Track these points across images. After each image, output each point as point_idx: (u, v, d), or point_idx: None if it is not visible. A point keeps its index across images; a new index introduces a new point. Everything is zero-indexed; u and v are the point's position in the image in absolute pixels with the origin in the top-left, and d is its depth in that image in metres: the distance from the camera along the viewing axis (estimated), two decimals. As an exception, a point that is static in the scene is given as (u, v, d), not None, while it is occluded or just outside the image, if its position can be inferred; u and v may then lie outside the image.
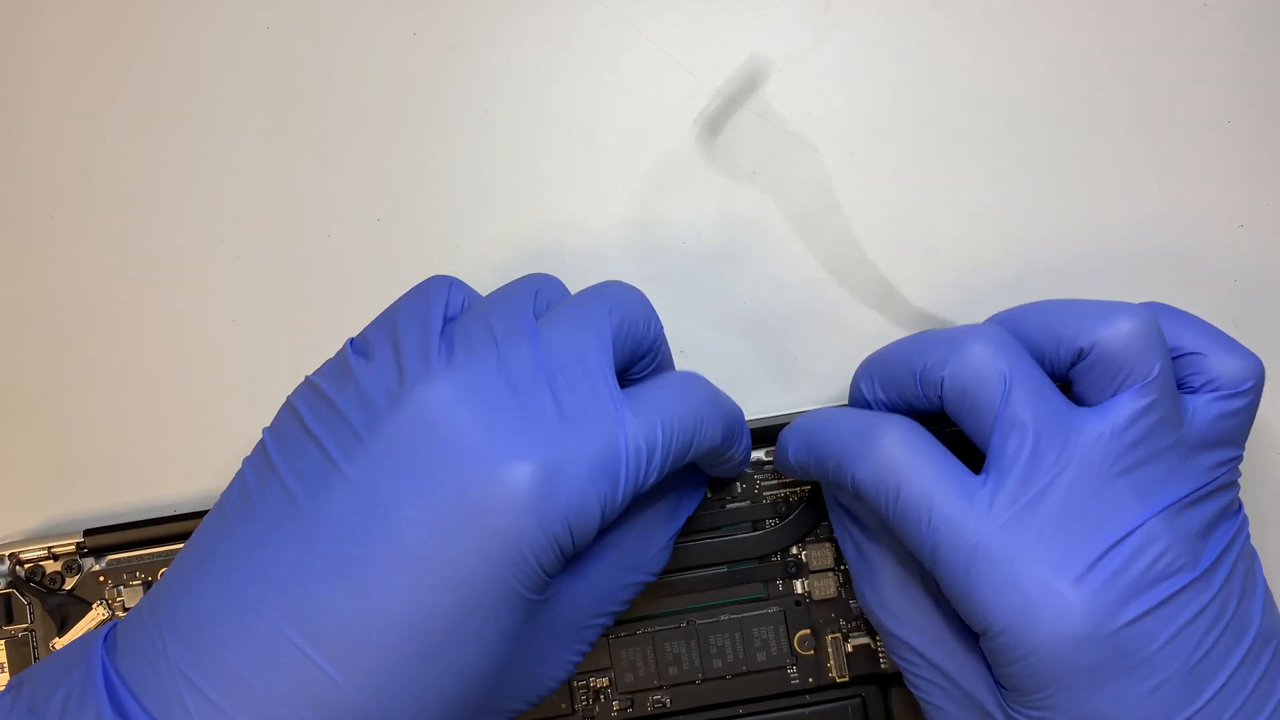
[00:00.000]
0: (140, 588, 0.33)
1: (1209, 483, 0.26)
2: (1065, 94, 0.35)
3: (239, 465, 0.35)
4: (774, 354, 0.35)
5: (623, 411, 0.25)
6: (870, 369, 0.30)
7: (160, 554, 0.33)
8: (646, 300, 0.28)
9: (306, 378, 0.27)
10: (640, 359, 0.28)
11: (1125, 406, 0.26)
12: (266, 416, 0.35)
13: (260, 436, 0.26)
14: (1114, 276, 0.35)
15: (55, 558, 0.33)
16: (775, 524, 0.33)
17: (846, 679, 0.32)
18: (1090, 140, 0.35)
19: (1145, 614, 0.25)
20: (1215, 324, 0.34)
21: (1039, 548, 0.25)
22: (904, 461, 0.26)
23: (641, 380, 0.28)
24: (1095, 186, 0.35)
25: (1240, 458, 0.27)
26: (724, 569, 0.33)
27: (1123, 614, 0.25)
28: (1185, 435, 0.26)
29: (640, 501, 0.28)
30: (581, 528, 0.24)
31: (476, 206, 0.35)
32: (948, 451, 0.27)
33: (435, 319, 0.26)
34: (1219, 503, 0.27)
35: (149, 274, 0.35)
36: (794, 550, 0.33)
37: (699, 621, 0.33)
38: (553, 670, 0.27)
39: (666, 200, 0.35)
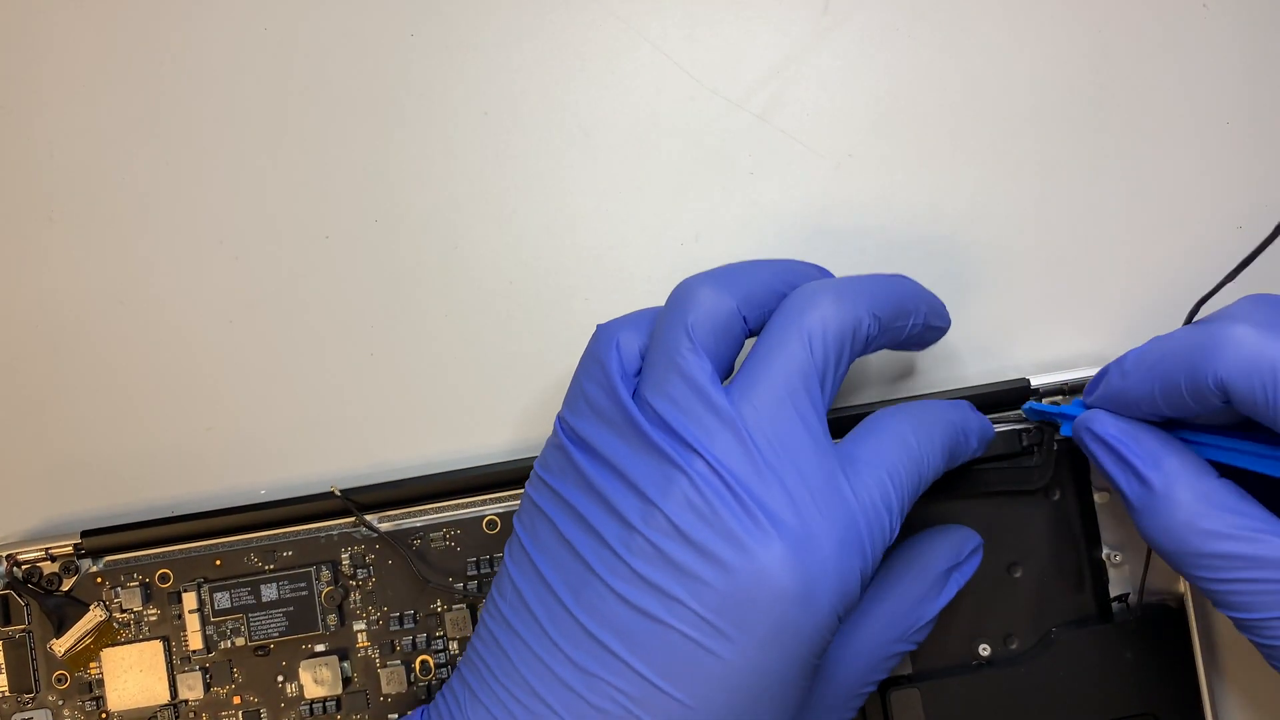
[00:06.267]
0: (138, 589, 0.33)
1: None
2: (1064, 94, 0.35)
3: (237, 466, 0.35)
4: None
5: (846, 482, 0.25)
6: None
7: (158, 555, 0.33)
8: (847, 300, 0.27)
9: (535, 470, 0.28)
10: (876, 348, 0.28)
11: None
12: (266, 417, 0.35)
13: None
14: (1113, 276, 0.35)
15: (53, 559, 0.33)
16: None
17: (845, 681, 0.32)
18: (1089, 141, 0.35)
19: None
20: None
21: None
22: (1270, 339, 0.24)
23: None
24: (1094, 187, 0.35)
25: None
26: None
27: None
28: None
29: (914, 573, 0.29)
30: (847, 605, 0.25)
31: (475, 208, 0.35)
32: None
33: (629, 403, 0.26)
34: None
35: (147, 275, 0.35)
36: (793, 552, 0.33)
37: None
38: None
39: (665, 201, 0.35)
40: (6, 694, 0.33)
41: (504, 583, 0.27)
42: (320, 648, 0.33)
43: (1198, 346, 0.25)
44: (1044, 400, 0.32)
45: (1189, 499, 0.26)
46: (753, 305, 0.27)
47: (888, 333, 0.28)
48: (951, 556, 0.30)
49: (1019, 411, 0.32)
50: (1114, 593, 0.33)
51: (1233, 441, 0.27)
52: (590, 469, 0.26)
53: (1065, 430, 0.30)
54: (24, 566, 0.33)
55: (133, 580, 0.33)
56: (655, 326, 0.27)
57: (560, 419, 0.28)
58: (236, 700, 0.33)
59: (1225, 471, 0.27)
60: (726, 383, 0.27)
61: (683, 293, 0.27)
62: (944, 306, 0.30)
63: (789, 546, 0.24)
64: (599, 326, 0.28)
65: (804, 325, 0.26)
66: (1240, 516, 0.26)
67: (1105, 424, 0.28)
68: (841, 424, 0.32)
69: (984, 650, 0.32)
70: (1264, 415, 0.24)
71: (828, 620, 0.25)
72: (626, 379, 0.27)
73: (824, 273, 0.30)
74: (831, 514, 0.25)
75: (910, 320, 0.29)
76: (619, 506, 0.25)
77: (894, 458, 0.27)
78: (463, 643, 0.33)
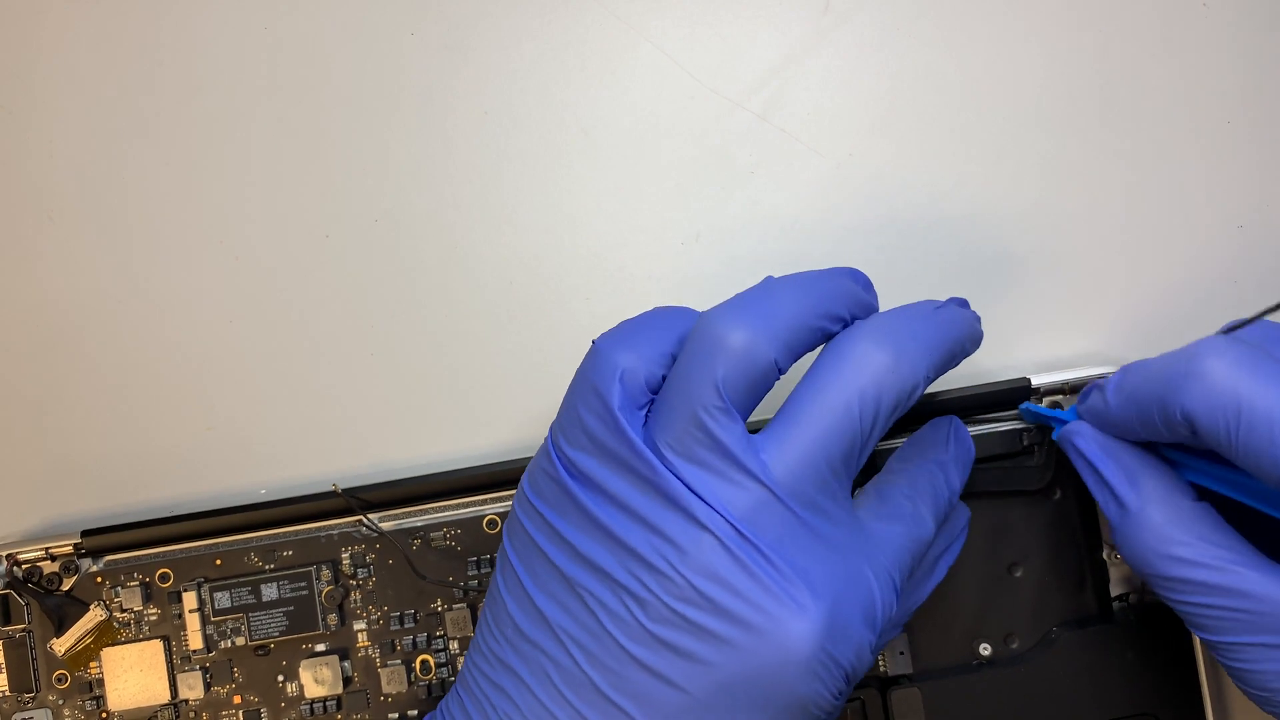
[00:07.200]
0: (138, 589, 0.33)
1: None
2: (1065, 94, 0.35)
3: (238, 466, 0.35)
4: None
5: (866, 559, 0.25)
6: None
7: (158, 555, 0.33)
8: (906, 366, 0.25)
9: (526, 493, 0.27)
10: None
11: None
12: (266, 417, 0.35)
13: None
14: (1113, 276, 0.35)
15: (53, 558, 0.33)
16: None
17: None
18: (1090, 140, 0.35)
19: None
20: (1215, 326, 0.34)
21: None
22: (1238, 377, 0.24)
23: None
24: (1094, 187, 0.35)
25: None
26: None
27: None
28: None
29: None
30: (859, 673, 0.25)
31: (474, 207, 0.35)
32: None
33: (646, 454, 0.25)
34: None
35: (147, 274, 0.35)
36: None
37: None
38: None
39: (665, 201, 0.35)
40: (7, 693, 0.33)
41: (500, 612, 0.26)
42: (321, 647, 0.33)
43: (1170, 378, 0.25)
44: (1044, 400, 0.32)
45: (1159, 522, 0.26)
46: (789, 352, 0.26)
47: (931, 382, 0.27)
48: (942, 541, 0.30)
49: (1019, 410, 0.32)
50: (1115, 592, 0.33)
51: (1217, 468, 0.27)
52: (601, 513, 0.25)
53: (1056, 434, 0.30)
54: (24, 566, 0.33)
55: (133, 580, 0.33)
56: (677, 365, 0.26)
57: (555, 446, 0.26)
58: (237, 700, 0.33)
59: (1207, 495, 0.27)
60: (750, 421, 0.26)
61: (714, 336, 0.25)
62: (981, 331, 0.29)
63: (813, 621, 0.24)
64: (595, 346, 0.26)
65: (856, 389, 0.25)
66: (1209, 544, 0.26)
67: (1086, 440, 0.28)
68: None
69: (985, 650, 0.33)
70: (1228, 453, 0.24)
71: (840, 687, 0.25)
72: (633, 416, 0.25)
73: (856, 276, 0.28)
74: (854, 590, 0.25)
75: (953, 363, 0.28)
76: (634, 564, 0.24)
77: (905, 539, 0.27)
78: (463, 642, 0.33)
